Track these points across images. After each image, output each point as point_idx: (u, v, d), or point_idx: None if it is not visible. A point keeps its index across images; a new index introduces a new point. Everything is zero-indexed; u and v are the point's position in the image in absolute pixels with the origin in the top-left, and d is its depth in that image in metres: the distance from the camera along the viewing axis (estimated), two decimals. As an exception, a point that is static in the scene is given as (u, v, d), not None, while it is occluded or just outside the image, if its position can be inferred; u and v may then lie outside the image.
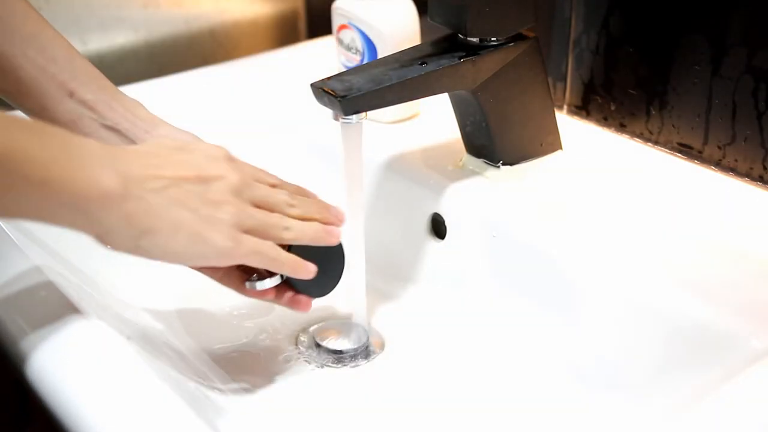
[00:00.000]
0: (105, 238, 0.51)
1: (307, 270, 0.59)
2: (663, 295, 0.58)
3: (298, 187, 0.63)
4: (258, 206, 0.57)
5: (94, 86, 0.63)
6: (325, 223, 0.61)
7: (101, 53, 0.98)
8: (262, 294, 0.62)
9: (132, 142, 0.62)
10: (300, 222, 0.59)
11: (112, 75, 0.66)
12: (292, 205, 0.60)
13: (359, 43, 0.82)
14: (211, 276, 0.62)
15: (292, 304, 0.62)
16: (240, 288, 0.62)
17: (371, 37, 0.81)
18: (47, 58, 0.62)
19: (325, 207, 0.62)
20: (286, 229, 0.58)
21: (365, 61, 0.82)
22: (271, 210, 0.58)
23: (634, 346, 0.59)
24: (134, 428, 0.48)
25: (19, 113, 0.63)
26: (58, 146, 0.49)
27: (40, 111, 0.62)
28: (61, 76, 0.62)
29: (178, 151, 0.56)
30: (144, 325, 0.68)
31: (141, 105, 0.64)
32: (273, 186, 0.60)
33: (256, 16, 1.08)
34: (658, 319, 0.58)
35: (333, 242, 0.61)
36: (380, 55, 0.81)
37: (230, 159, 0.58)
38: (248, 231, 0.56)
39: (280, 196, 0.59)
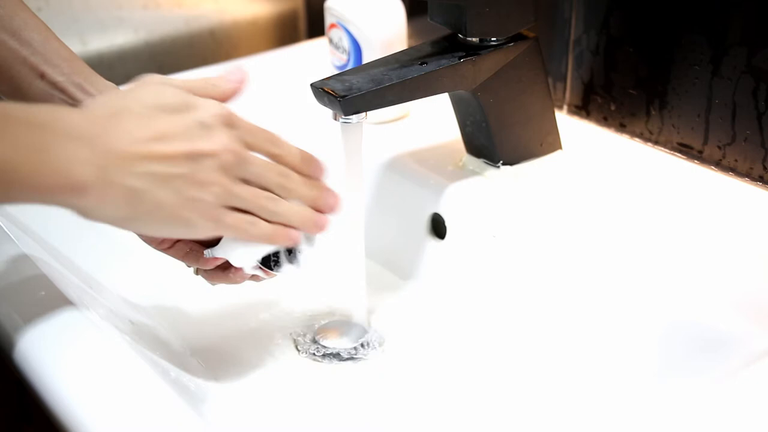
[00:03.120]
0: (84, 216, 0.51)
1: (289, 238, 0.57)
2: (663, 294, 0.58)
3: (303, 153, 0.59)
4: (249, 183, 0.55)
5: (66, 68, 0.63)
6: (317, 209, 0.58)
7: (101, 53, 0.98)
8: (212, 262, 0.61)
9: None
10: (289, 207, 0.57)
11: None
12: (285, 187, 0.57)
13: (346, 42, 0.82)
14: (157, 246, 0.62)
15: (253, 278, 0.62)
16: (188, 258, 0.62)
17: (356, 37, 0.81)
18: (21, 40, 0.62)
19: (320, 193, 0.58)
20: (273, 213, 0.56)
21: (351, 61, 0.82)
22: (263, 188, 0.56)
23: (634, 346, 0.59)
24: (130, 425, 0.48)
25: None
26: (26, 137, 0.48)
27: (12, 93, 0.62)
28: (33, 58, 0.62)
29: (172, 113, 0.53)
30: (139, 318, 0.68)
31: (116, 87, 0.64)
32: (274, 156, 0.57)
33: (256, 16, 1.08)
34: (658, 319, 0.58)
35: (318, 233, 0.59)
36: (365, 55, 0.81)
37: (229, 123, 0.55)
38: (232, 209, 0.55)
39: (272, 177, 0.56)
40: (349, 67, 0.82)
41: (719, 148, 0.71)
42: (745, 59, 0.67)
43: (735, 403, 0.48)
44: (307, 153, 0.59)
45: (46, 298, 0.58)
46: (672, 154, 0.75)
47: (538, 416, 0.60)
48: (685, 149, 0.74)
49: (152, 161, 0.51)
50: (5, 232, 0.66)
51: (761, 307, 0.56)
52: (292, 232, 0.57)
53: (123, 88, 0.62)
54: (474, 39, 0.68)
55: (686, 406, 0.49)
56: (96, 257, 0.72)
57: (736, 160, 0.71)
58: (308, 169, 0.58)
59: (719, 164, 0.72)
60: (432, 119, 0.82)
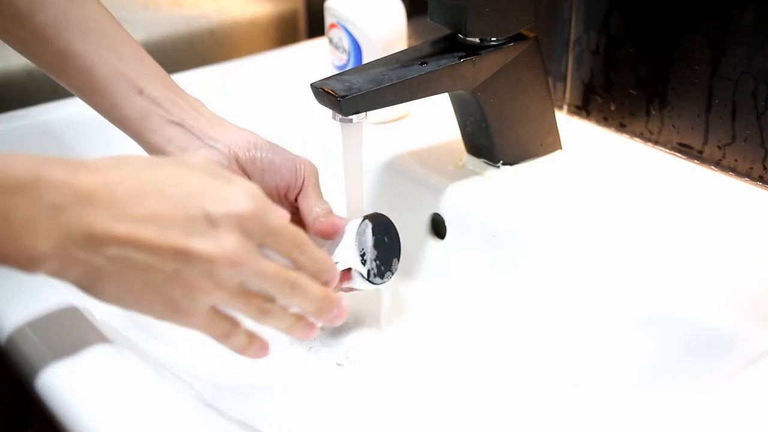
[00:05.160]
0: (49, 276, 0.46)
1: (264, 353, 0.52)
2: (663, 294, 0.58)
3: (325, 264, 0.53)
4: (244, 290, 0.49)
5: (160, 84, 0.63)
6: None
7: (101, 53, 0.98)
8: None
9: (197, 138, 0.62)
10: (279, 320, 0.51)
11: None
12: (288, 299, 0.51)
13: (346, 42, 0.82)
14: None
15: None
16: None
17: (357, 37, 0.81)
18: (118, 56, 0.62)
19: (324, 309, 0.52)
20: (264, 316, 0.51)
21: (351, 61, 0.82)
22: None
23: (634, 346, 0.59)
24: (130, 424, 0.48)
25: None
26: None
27: (110, 108, 0.62)
28: (131, 74, 0.62)
29: (182, 195, 0.46)
30: (147, 320, 0.68)
31: (202, 103, 0.65)
32: (294, 261, 0.51)
33: (256, 16, 1.08)
34: (658, 319, 0.58)
35: (305, 339, 0.55)
36: (365, 55, 0.81)
37: (245, 224, 0.47)
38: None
39: (276, 289, 0.50)
40: (349, 67, 0.82)
41: (719, 148, 0.71)
42: (745, 59, 0.67)
43: (735, 403, 0.48)
44: (328, 263, 0.53)
45: (48, 300, 0.58)
46: (672, 154, 0.75)
47: (537, 416, 0.60)
48: (685, 149, 0.74)
49: (130, 247, 0.45)
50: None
51: (761, 307, 0.56)
52: (267, 348, 0.52)
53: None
54: (474, 39, 0.68)
55: (686, 406, 0.49)
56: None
57: (736, 160, 0.71)
58: (323, 278, 0.53)
59: (719, 164, 0.72)
60: (432, 119, 0.82)
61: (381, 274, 0.63)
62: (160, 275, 0.46)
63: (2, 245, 0.44)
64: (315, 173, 0.65)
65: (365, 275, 0.63)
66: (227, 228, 0.47)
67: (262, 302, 0.50)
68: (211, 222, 0.46)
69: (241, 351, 0.51)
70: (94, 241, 0.45)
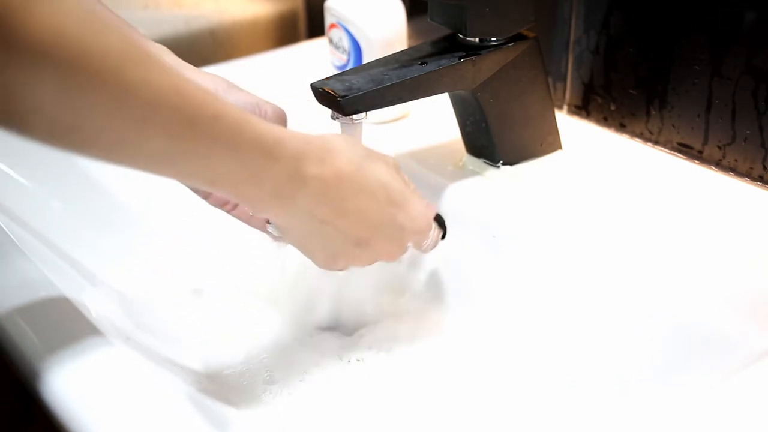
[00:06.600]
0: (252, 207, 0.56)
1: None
2: (663, 294, 0.58)
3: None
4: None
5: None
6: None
7: (101, 53, 0.98)
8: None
9: None
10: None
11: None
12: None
13: (346, 42, 0.82)
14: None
15: None
16: (252, 222, 0.66)
17: (357, 37, 0.81)
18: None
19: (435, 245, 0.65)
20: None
21: (351, 61, 0.82)
22: None
23: (634, 346, 0.59)
24: (130, 424, 0.48)
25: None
26: (245, 170, 0.51)
27: None
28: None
29: (386, 202, 0.58)
30: (139, 317, 0.68)
31: (168, 50, 0.65)
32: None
33: (256, 16, 1.08)
34: (658, 319, 0.58)
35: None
36: (365, 55, 0.81)
37: (422, 235, 0.62)
38: None
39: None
40: (349, 67, 0.83)
41: (719, 148, 0.71)
42: (745, 59, 0.67)
43: (735, 403, 0.48)
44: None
45: (47, 298, 0.58)
46: (672, 154, 0.75)
47: (538, 416, 0.60)
48: (685, 149, 0.74)
49: (333, 227, 0.56)
50: (11, 238, 0.66)
51: (761, 307, 0.56)
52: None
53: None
54: (474, 39, 0.68)
55: (686, 407, 0.49)
56: (96, 255, 0.72)
57: (736, 160, 0.71)
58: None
59: (719, 164, 0.72)
60: (432, 119, 0.82)
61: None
62: (339, 247, 0.58)
63: (240, 197, 0.53)
64: (283, 119, 0.66)
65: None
66: (407, 239, 0.61)
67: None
68: (400, 229, 0.60)
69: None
70: (311, 215, 0.55)
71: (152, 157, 0.47)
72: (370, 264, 0.61)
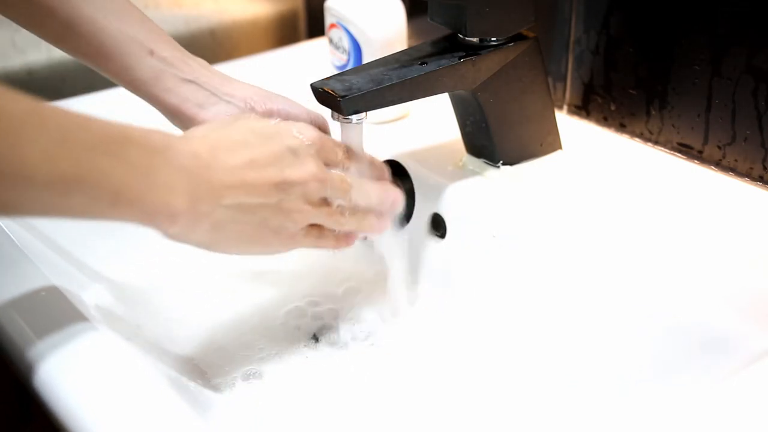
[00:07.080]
0: (168, 237, 0.53)
1: (350, 243, 0.63)
2: (663, 294, 0.58)
3: (372, 161, 0.65)
4: (326, 201, 0.60)
5: (168, 45, 0.65)
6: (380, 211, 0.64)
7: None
8: None
9: (213, 94, 0.64)
10: (354, 220, 0.62)
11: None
12: (353, 205, 0.61)
13: (346, 42, 0.82)
14: None
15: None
16: None
17: (357, 37, 0.81)
18: (124, 20, 0.63)
19: (383, 198, 0.63)
20: (342, 225, 0.61)
21: (351, 61, 0.82)
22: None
23: (634, 346, 0.59)
24: (130, 424, 0.48)
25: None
26: (141, 160, 0.49)
27: (122, 71, 0.64)
28: (139, 36, 0.63)
29: (264, 139, 0.57)
30: (139, 317, 0.68)
31: (208, 64, 0.66)
32: (347, 168, 0.62)
33: (256, 16, 1.09)
34: (658, 319, 0.58)
35: (380, 233, 0.65)
36: (365, 55, 0.81)
37: (316, 146, 0.59)
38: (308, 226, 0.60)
39: (345, 193, 0.61)
40: (349, 67, 0.83)
41: (719, 148, 0.71)
42: (745, 59, 0.67)
43: (735, 403, 0.48)
44: (375, 161, 0.65)
45: (47, 297, 0.58)
46: (672, 154, 0.75)
47: (537, 416, 0.60)
48: (685, 149, 0.74)
49: (241, 192, 0.54)
50: (10, 238, 0.66)
51: (761, 307, 0.56)
52: (352, 237, 0.63)
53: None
54: (474, 39, 0.68)
55: (686, 407, 0.49)
56: (96, 253, 0.72)
57: (736, 160, 0.71)
58: (376, 173, 0.65)
59: (719, 164, 0.72)
60: (432, 119, 0.82)
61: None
62: (267, 209, 0.56)
63: (147, 204, 0.50)
64: (327, 127, 0.67)
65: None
66: (306, 155, 0.58)
67: (339, 214, 0.61)
68: (294, 153, 0.57)
69: (333, 246, 0.62)
70: (214, 194, 0.53)
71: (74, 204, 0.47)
72: (312, 206, 0.58)
